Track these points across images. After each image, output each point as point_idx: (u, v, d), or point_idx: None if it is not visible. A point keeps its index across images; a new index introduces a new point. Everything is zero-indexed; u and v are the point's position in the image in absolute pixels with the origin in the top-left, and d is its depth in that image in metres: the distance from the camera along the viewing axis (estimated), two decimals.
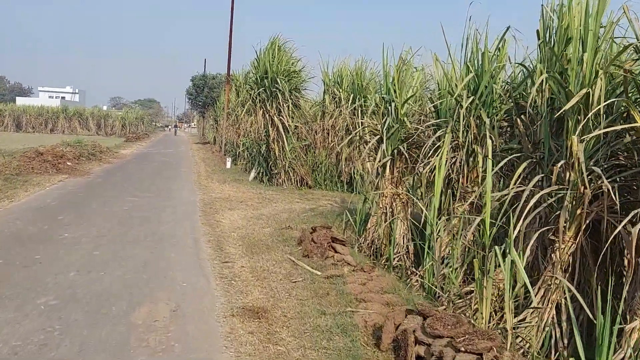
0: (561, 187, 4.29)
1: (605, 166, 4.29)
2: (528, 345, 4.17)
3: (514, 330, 4.12)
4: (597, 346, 3.54)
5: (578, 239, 4.22)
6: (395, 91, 7.11)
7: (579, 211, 4.19)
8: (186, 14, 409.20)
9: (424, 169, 6.20)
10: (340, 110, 14.35)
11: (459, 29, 6.04)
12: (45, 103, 66.89)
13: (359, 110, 13.24)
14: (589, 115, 4.01)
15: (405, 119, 7.09)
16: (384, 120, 7.31)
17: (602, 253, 3.86)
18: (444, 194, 5.99)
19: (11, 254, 6.26)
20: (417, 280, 5.76)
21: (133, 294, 5.10)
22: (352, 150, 13.79)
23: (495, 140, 5.43)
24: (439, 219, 5.75)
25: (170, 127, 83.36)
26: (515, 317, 4.26)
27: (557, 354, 4.14)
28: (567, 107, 4.12)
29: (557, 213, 4.30)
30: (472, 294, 4.84)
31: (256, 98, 15.14)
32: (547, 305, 4.22)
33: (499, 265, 4.36)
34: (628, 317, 3.63)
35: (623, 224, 3.62)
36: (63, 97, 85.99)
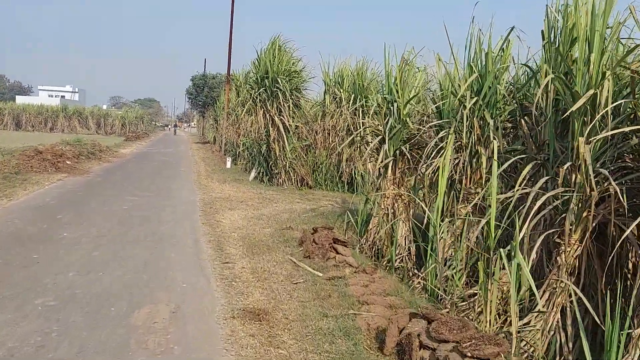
0: (567, 189, 4.23)
1: (612, 168, 4.24)
2: (532, 349, 4.11)
3: (518, 334, 4.06)
4: (605, 352, 3.48)
5: (584, 242, 4.17)
6: (397, 91, 7.06)
7: (585, 214, 4.13)
8: (186, 14, 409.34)
9: (426, 170, 6.15)
10: (341, 111, 14.30)
11: (459, 29, 6.00)
12: (45, 102, 66.76)
13: (360, 111, 13.20)
14: (597, 117, 3.95)
15: (408, 119, 7.04)
16: (386, 120, 7.26)
17: (610, 256, 3.80)
18: (447, 195, 5.93)
19: (10, 253, 6.20)
20: (419, 283, 5.71)
21: (133, 295, 5.05)
22: (353, 151, 13.75)
23: (499, 142, 5.38)
24: (442, 221, 5.69)
25: (170, 126, 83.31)
26: (519, 320, 4.21)
27: (562, 358, 4.08)
28: (574, 107, 4.07)
29: (562, 215, 4.25)
30: (475, 297, 4.78)
31: (257, 98, 15.09)
32: (552, 309, 4.17)
33: (503, 268, 4.31)
34: (635, 321, 3.58)
35: (632, 227, 3.56)
36: (63, 96, 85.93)
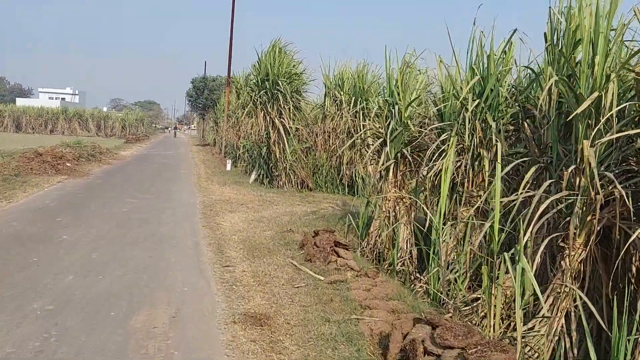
0: (571, 192, 4.19)
1: (617, 171, 4.19)
2: (537, 355, 4.06)
3: (522, 340, 4.01)
4: (612, 358, 3.43)
5: (589, 245, 4.12)
6: (398, 94, 7.03)
7: (589, 217, 4.09)
8: (186, 14, 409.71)
9: (428, 173, 6.11)
10: (342, 113, 14.28)
11: (461, 26, 5.96)
12: (45, 104, 66.81)
13: (361, 114, 13.16)
14: (603, 120, 3.92)
15: (409, 121, 7.01)
16: (387, 123, 7.22)
17: (616, 261, 3.76)
18: (449, 198, 5.89)
19: (9, 255, 6.15)
20: (421, 286, 5.66)
21: (132, 297, 5.00)
22: (354, 154, 13.71)
23: (502, 144, 5.34)
24: (444, 224, 5.65)
25: (170, 129, 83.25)
26: (523, 325, 4.16)
27: None
28: (578, 110, 4.03)
29: (566, 219, 4.21)
30: (479, 302, 4.74)
31: (257, 100, 15.07)
32: (557, 313, 4.12)
33: (507, 272, 4.26)
34: None
35: (638, 232, 3.51)
36: (63, 98, 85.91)
